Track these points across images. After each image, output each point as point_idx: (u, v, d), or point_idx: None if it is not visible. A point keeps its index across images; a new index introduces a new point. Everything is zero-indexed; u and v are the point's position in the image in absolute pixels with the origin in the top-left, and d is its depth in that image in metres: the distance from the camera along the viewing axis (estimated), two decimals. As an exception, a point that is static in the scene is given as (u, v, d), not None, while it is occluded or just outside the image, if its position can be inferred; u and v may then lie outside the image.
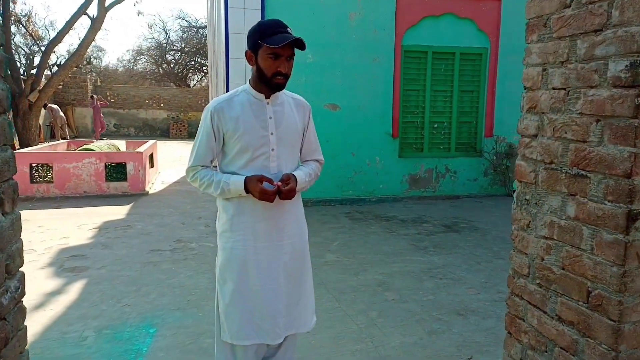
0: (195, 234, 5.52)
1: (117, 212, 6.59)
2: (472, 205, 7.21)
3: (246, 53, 1.94)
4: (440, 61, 7.42)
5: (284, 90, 2.02)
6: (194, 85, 30.40)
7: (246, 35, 1.96)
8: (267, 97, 1.98)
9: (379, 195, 7.33)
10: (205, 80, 29.94)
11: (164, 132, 21.95)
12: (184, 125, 21.80)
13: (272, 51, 1.83)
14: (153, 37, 32.22)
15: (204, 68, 28.84)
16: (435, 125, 7.58)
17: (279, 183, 1.91)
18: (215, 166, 2.07)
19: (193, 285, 3.94)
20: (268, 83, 1.91)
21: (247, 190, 1.92)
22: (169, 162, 12.30)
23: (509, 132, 7.77)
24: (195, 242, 5.16)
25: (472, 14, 7.36)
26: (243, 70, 6.57)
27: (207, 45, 27.03)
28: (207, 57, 27.46)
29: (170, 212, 6.58)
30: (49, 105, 16.30)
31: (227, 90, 6.51)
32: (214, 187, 1.97)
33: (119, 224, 5.95)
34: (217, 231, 2.10)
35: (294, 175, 2.00)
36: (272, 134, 1.97)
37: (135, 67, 30.18)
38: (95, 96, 18.16)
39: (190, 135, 21.75)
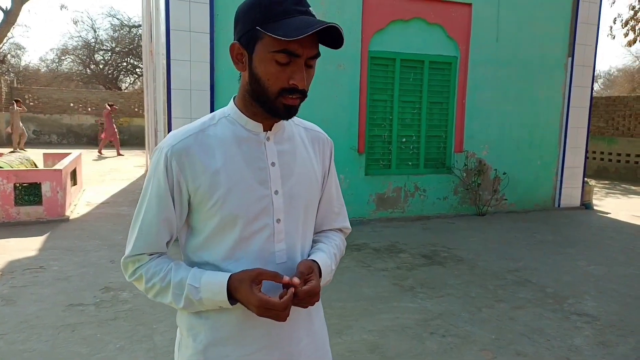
0: (129, 276, 4.42)
1: (28, 246, 5.31)
2: (445, 227, 6.59)
3: (232, 47, 1.06)
4: (409, 69, 6.77)
5: (293, 117, 1.13)
6: (126, 88, 28.32)
7: (236, 14, 1.06)
8: (267, 127, 1.12)
9: (344, 218, 6.52)
10: (139, 82, 28.03)
11: (92, 140, 19.99)
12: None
13: (283, 47, 0.99)
14: (80, 35, 29.72)
15: (138, 70, 26.95)
16: (404, 140, 6.91)
17: (295, 280, 1.04)
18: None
19: (126, 363, 2.92)
20: (270, 104, 1.05)
21: (233, 298, 1.04)
22: (97, 176, 10.84)
23: (479, 148, 7.27)
24: (129, 291, 4.07)
25: (441, 20, 6.78)
26: (188, 75, 5.53)
27: (140, 46, 25.27)
28: (141, 59, 25.66)
29: (97, 246, 5.38)
30: None
31: (169, 100, 5.45)
32: (171, 294, 1.08)
33: (29, 263, 4.71)
34: None
35: (317, 263, 1.13)
36: (276, 192, 1.12)
37: (60, 68, 27.63)
38: (108, 105, 16.15)
39: (122, 144, 19.99)
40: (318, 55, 1.04)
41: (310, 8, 1.04)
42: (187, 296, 1.06)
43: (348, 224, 1.37)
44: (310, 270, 1.09)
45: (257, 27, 0.99)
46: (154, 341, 3.19)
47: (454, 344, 3.22)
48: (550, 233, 6.39)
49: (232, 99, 1.14)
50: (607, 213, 7.93)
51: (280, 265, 1.12)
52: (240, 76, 1.11)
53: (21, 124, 15.72)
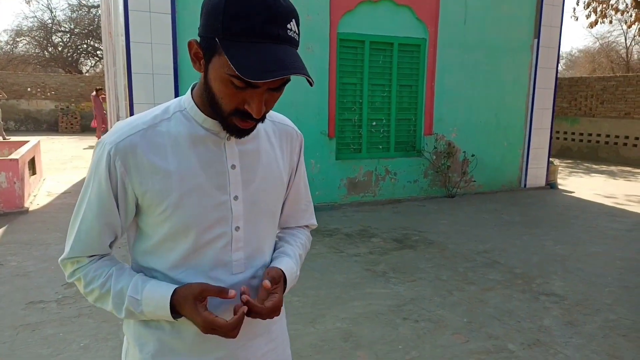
0: (93, 270, 4.25)
1: (-17, 240, 5.04)
2: (416, 210, 6.62)
3: (190, 45, 0.91)
4: (378, 52, 6.69)
5: None
6: (87, 71, 27.23)
7: (202, 3, 0.90)
8: None
9: (316, 202, 6.45)
10: (101, 65, 26.99)
11: (52, 126, 19.20)
12: (75, 118, 19.21)
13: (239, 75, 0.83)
14: (35, 16, 28.29)
15: (99, 52, 25.92)
16: (374, 123, 6.86)
17: (246, 297, 0.94)
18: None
19: (91, 363, 2.80)
20: (221, 121, 0.94)
21: (177, 313, 0.95)
22: (58, 164, 10.41)
23: (448, 130, 7.30)
24: (93, 285, 3.92)
25: (409, 1, 6.70)
26: (149, 58, 5.30)
27: (100, 27, 24.26)
28: (101, 40, 24.67)
29: (58, 238, 5.16)
30: None
31: (130, 84, 5.20)
32: (111, 302, 0.98)
33: (-16, 259, 4.48)
34: None
35: (282, 271, 1.05)
36: (235, 198, 1.01)
37: (15, 50, 26.25)
38: (97, 89, 15.12)
39: (84, 129, 19.31)
40: (287, 81, 0.89)
41: (289, 27, 0.84)
42: (127, 307, 0.96)
43: (314, 221, 1.29)
44: (277, 281, 1.01)
45: (217, 38, 0.84)
46: (120, 338, 3.07)
47: (427, 329, 3.23)
48: (518, 214, 6.51)
49: (190, 89, 1.01)
50: (572, 192, 8.15)
51: (237, 275, 1.03)
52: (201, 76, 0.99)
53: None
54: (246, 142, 1.02)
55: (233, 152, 1.00)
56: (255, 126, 0.95)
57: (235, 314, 0.92)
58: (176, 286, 0.95)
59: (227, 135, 0.98)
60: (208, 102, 0.93)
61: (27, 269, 4.26)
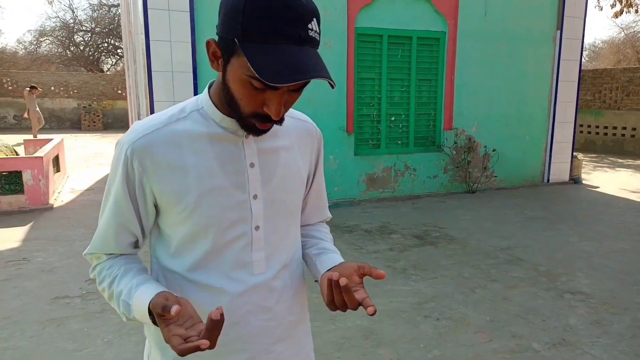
0: (116, 266, 4.31)
1: (10, 236, 5.16)
2: (436, 206, 6.55)
3: (208, 44, 0.89)
4: (397, 46, 6.62)
5: None
6: (108, 69, 27.64)
7: (220, 3, 0.87)
8: None
9: (334, 199, 6.44)
10: (121, 64, 27.37)
11: (75, 124, 19.58)
12: (97, 116, 19.54)
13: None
14: (57, 16, 28.75)
15: (119, 51, 26.28)
16: (393, 119, 6.80)
17: (219, 314, 0.78)
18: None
19: (114, 358, 2.83)
20: (240, 121, 0.92)
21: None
22: (81, 161, 10.60)
23: (468, 125, 7.19)
24: (116, 281, 3.98)
25: (429, -6, 6.60)
26: (169, 56, 5.33)
27: (121, 25, 24.58)
28: (121, 39, 25.00)
29: (82, 235, 5.25)
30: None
31: (150, 82, 5.25)
32: (115, 302, 0.97)
33: (12, 255, 4.58)
34: None
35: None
36: (255, 197, 0.99)
37: (38, 50, 26.79)
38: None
39: (106, 127, 19.64)
40: (306, 84, 0.87)
41: (310, 27, 0.81)
42: (123, 311, 0.94)
43: (329, 213, 1.28)
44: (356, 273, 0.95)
45: (235, 39, 0.81)
46: (144, 334, 3.11)
47: (448, 327, 3.19)
48: (541, 209, 6.38)
49: (206, 87, 1.00)
50: (596, 187, 7.95)
51: (257, 276, 1.01)
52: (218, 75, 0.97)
53: (37, 109, 15.17)
54: (265, 139, 1.00)
55: (252, 150, 0.98)
56: (271, 128, 0.94)
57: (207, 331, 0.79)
58: (157, 292, 0.88)
59: (245, 133, 0.97)
60: (226, 102, 0.92)
61: (52, 264, 4.35)
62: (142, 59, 5.64)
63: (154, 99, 5.34)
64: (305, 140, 1.10)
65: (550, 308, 3.44)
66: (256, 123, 0.90)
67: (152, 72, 5.28)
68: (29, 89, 14.78)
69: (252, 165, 0.98)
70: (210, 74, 5.55)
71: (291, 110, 1.10)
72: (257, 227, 1.00)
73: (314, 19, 0.82)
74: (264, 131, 0.93)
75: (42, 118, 14.86)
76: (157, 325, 0.85)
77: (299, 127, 1.09)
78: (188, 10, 5.33)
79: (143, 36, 5.32)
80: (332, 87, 0.85)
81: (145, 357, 1.11)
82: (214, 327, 0.77)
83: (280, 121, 0.91)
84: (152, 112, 5.36)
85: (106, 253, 1.01)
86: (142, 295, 0.89)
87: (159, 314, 0.83)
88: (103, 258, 1.01)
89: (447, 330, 3.15)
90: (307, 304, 1.20)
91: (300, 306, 1.13)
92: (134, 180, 0.94)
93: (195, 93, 5.51)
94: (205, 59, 5.53)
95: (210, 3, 5.46)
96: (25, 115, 15.26)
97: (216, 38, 0.88)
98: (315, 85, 6.14)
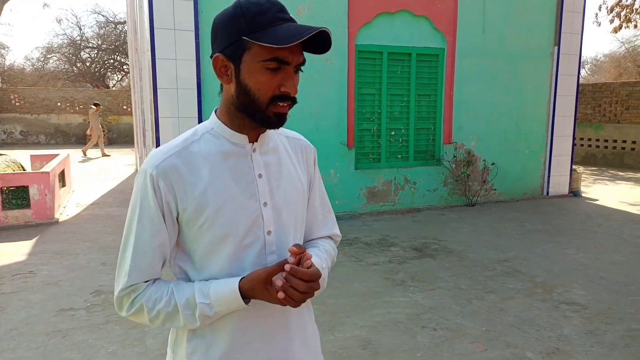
0: (120, 279, 4.39)
1: (17, 250, 5.26)
2: (435, 219, 6.62)
3: (215, 60, 1.04)
4: (396, 62, 6.76)
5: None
6: (114, 85, 28.02)
7: (214, 26, 1.05)
8: (253, 139, 1.11)
9: (335, 212, 6.46)
10: (127, 80, 27.73)
11: (80, 139, 19.78)
12: (102, 131, 19.75)
13: (274, 55, 0.98)
14: (65, 33, 29.37)
15: (125, 67, 26.67)
16: (393, 133, 6.91)
17: (289, 265, 1.00)
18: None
19: (119, 368, 2.91)
20: (260, 114, 1.04)
21: (245, 298, 1.04)
22: (87, 176, 10.75)
23: (467, 139, 7.30)
24: (120, 293, 4.06)
25: (427, 12, 6.77)
26: (174, 74, 5.49)
27: (126, 43, 24.98)
28: (126, 55, 25.37)
29: (87, 248, 5.35)
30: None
31: (155, 99, 5.40)
32: (182, 316, 1.05)
33: (18, 269, 4.68)
34: None
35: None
36: (265, 204, 1.11)
37: (45, 66, 27.23)
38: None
39: (111, 142, 19.85)
40: (305, 61, 1.03)
41: (290, 14, 1.03)
42: (200, 314, 1.04)
43: (337, 231, 1.35)
44: (302, 248, 1.05)
45: (245, 37, 0.98)
46: (146, 345, 3.19)
47: (445, 337, 3.25)
48: (540, 222, 6.45)
49: (213, 113, 1.13)
50: (595, 200, 8.01)
51: None
52: (222, 89, 1.09)
53: (100, 126, 15.55)
54: (269, 153, 1.13)
55: (259, 162, 1.11)
56: (288, 112, 1.06)
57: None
58: (238, 278, 1.04)
59: (253, 147, 1.10)
60: (241, 107, 1.04)
61: (57, 277, 4.44)
62: (148, 76, 5.80)
63: (159, 115, 5.48)
64: (302, 155, 1.23)
65: (545, 318, 3.50)
66: (277, 109, 1.03)
67: (158, 89, 5.43)
68: (93, 107, 15.23)
69: (260, 176, 1.11)
70: (214, 91, 5.70)
71: (287, 131, 1.24)
72: (269, 232, 1.11)
73: (286, 13, 1.03)
74: (284, 117, 1.05)
75: (102, 136, 15.31)
76: (247, 303, 1.03)
77: (295, 145, 1.23)
78: (193, 29, 5.50)
79: (149, 54, 5.48)
80: (329, 42, 1.01)
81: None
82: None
83: (294, 101, 1.04)
84: (157, 127, 5.50)
85: (144, 281, 1.07)
86: (222, 287, 1.03)
87: (266, 283, 1.00)
88: (142, 287, 1.06)
89: (444, 340, 3.21)
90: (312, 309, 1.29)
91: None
92: (162, 199, 1.04)
93: (200, 109, 5.65)
94: (208, 76, 5.68)
95: (214, 22, 5.64)
96: (88, 132, 15.64)
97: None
98: (316, 101, 6.28)
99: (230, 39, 1.00)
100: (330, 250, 1.28)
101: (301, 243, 1.22)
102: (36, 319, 3.58)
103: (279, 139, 1.19)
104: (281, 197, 1.13)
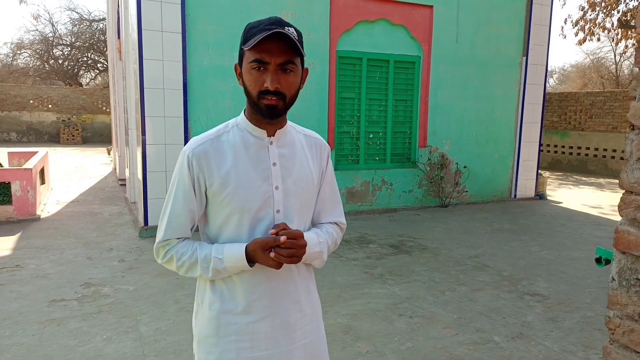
0: (108, 272, 4.53)
1: (0, 245, 5.31)
2: (411, 218, 6.94)
3: (235, 68, 1.35)
4: (375, 69, 7.07)
5: (293, 124, 1.43)
6: (87, 83, 27.58)
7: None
8: (271, 133, 1.36)
9: (315, 212, 6.76)
10: (100, 78, 27.35)
11: (53, 137, 19.50)
12: (77, 130, 19.51)
13: (255, 57, 1.24)
14: (37, 30, 28.68)
15: (99, 65, 26.30)
16: (371, 136, 7.21)
17: (282, 238, 1.27)
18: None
19: (114, 352, 3.07)
20: (255, 107, 1.30)
21: (250, 261, 1.31)
22: (63, 174, 10.69)
23: (441, 143, 7.65)
24: (110, 286, 4.20)
25: (405, 21, 7.10)
26: (161, 75, 5.63)
27: (101, 41, 24.65)
28: (102, 53, 25.04)
29: (72, 244, 5.44)
30: None
31: (142, 99, 5.56)
32: (200, 267, 1.33)
33: (4, 262, 4.75)
34: (194, 332, 1.44)
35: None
36: (277, 188, 1.35)
37: (15, 63, 26.60)
38: None
39: (85, 141, 19.61)
40: (290, 61, 1.25)
41: (286, 27, 1.22)
42: (213, 267, 1.30)
43: (343, 220, 1.57)
44: (285, 225, 1.32)
45: (242, 47, 1.28)
46: (140, 331, 3.35)
47: (420, 323, 3.53)
48: (507, 222, 6.84)
49: (242, 111, 1.39)
50: (560, 202, 8.49)
51: None
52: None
53: None
54: (284, 146, 1.38)
55: (274, 153, 1.36)
56: (278, 104, 1.27)
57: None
58: (246, 244, 1.31)
59: (270, 140, 1.35)
60: (248, 103, 1.32)
61: (45, 271, 4.54)
62: (134, 77, 5.92)
63: (146, 114, 5.61)
64: (316, 151, 1.47)
65: (511, 307, 3.83)
66: (264, 102, 1.26)
67: (145, 89, 5.56)
68: None
69: (274, 164, 1.36)
70: (200, 91, 5.87)
71: (306, 130, 1.50)
72: (278, 211, 1.35)
73: (287, 23, 1.26)
74: (274, 109, 1.26)
75: None
76: (250, 264, 1.29)
77: (311, 142, 1.47)
78: (180, 32, 5.66)
79: (136, 55, 5.61)
80: (294, 41, 1.22)
81: (194, 315, 1.44)
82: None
83: (282, 97, 1.26)
84: (143, 125, 5.63)
85: (177, 237, 1.35)
86: (233, 248, 1.30)
87: (265, 249, 1.26)
88: (174, 242, 1.35)
89: (419, 326, 3.48)
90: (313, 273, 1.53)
91: (306, 267, 1.46)
92: (194, 175, 1.31)
93: (185, 109, 5.81)
94: (195, 77, 5.85)
95: (201, 25, 5.81)
96: None
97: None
98: (298, 103, 6.50)
99: (239, 51, 1.31)
100: (332, 232, 1.50)
101: (308, 226, 1.45)
102: (29, 309, 3.69)
103: (297, 136, 1.43)
104: (291, 183, 1.37)
